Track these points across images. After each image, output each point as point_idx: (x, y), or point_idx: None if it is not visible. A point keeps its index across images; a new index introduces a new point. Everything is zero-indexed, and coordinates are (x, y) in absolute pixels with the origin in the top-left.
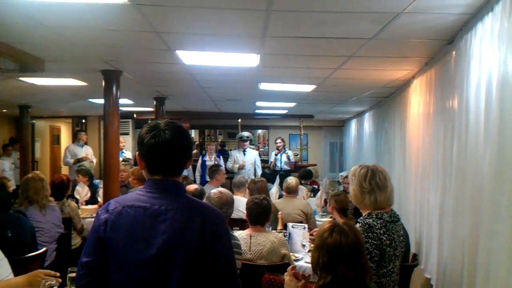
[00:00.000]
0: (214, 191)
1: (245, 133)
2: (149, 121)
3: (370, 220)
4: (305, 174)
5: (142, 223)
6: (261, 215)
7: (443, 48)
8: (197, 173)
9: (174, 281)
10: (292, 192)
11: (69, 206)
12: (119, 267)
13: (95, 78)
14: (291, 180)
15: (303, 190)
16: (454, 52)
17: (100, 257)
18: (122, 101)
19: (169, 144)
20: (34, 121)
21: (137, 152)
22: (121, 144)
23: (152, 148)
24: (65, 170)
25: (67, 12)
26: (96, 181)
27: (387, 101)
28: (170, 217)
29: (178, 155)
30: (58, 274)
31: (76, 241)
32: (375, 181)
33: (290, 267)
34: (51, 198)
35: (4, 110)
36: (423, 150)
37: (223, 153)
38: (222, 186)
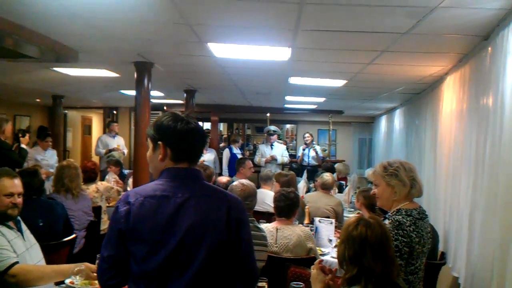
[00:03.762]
0: (236, 183)
1: (272, 127)
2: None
3: (400, 217)
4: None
5: (167, 212)
6: (288, 207)
7: (479, 44)
8: (225, 166)
9: (196, 266)
10: (327, 188)
11: (102, 184)
12: (146, 257)
13: (127, 69)
14: (328, 176)
15: None
16: (490, 48)
17: (122, 250)
18: (153, 93)
19: (199, 132)
20: (66, 111)
21: (160, 142)
22: None
23: (185, 135)
24: (96, 160)
25: (101, 4)
26: (125, 171)
27: (419, 97)
28: (194, 204)
29: (204, 143)
30: None
31: (105, 226)
32: (412, 172)
33: (317, 261)
34: (84, 186)
35: (38, 100)
36: (455, 148)
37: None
38: (249, 179)
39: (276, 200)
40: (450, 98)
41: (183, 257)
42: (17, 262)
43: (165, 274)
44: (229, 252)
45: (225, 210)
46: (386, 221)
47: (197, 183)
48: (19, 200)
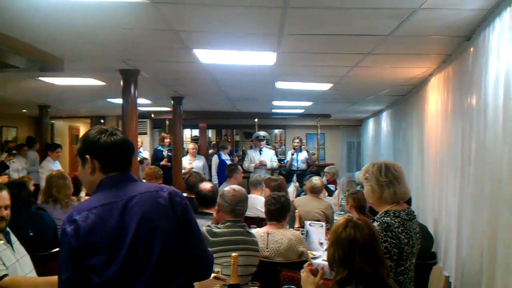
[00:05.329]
0: (227, 188)
1: (261, 133)
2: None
3: (388, 218)
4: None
5: (113, 217)
6: (279, 211)
7: (461, 44)
8: (214, 172)
9: (155, 259)
10: (316, 192)
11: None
12: (106, 265)
13: (113, 77)
14: (317, 180)
15: None
16: (472, 49)
17: (78, 269)
18: (140, 100)
19: (125, 143)
20: (53, 121)
21: (87, 156)
22: (138, 144)
23: (110, 146)
24: None
25: (86, 11)
26: None
27: (405, 99)
28: (137, 202)
29: (131, 152)
30: None
31: None
32: (391, 174)
33: (306, 264)
34: (73, 197)
35: (24, 110)
36: (441, 148)
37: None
38: (239, 185)
39: (267, 204)
40: (435, 99)
41: (141, 254)
42: (6, 275)
43: (129, 275)
44: (181, 238)
45: (167, 199)
46: (375, 223)
47: (132, 183)
48: (6, 212)
